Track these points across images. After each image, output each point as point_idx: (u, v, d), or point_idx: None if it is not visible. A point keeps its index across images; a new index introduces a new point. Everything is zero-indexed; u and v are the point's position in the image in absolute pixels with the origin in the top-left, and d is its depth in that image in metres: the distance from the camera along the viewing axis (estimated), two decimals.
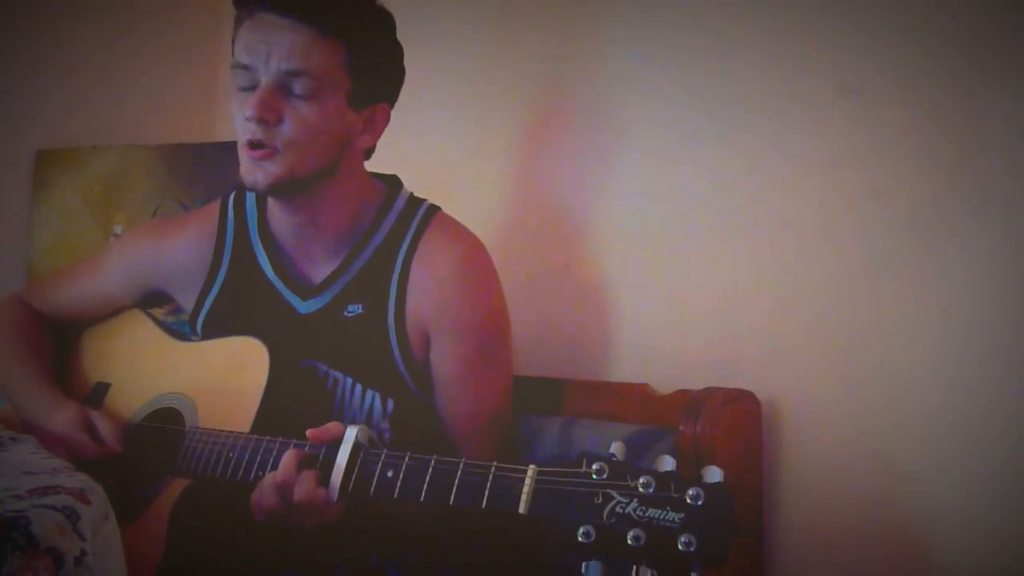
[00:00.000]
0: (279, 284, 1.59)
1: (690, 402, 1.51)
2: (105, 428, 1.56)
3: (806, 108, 1.56)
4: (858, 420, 1.48)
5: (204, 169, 2.19)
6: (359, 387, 1.55)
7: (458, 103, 2.02)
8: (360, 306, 1.55)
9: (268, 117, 1.45)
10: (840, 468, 1.50)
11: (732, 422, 1.49)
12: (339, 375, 1.55)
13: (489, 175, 1.94)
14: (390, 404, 1.55)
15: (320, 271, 1.58)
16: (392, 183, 1.63)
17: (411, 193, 1.62)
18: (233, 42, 1.51)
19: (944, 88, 1.43)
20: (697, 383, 1.55)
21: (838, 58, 1.53)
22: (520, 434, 1.65)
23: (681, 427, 1.49)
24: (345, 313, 1.55)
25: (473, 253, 1.57)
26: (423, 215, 1.58)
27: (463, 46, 2.02)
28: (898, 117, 1.47)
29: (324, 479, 1.30)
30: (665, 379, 1.62)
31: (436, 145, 2.01)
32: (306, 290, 1.58)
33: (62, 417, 1.58)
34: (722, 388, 1.52)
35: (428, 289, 1.53)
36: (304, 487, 1.30)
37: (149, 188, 2.23)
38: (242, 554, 1.40)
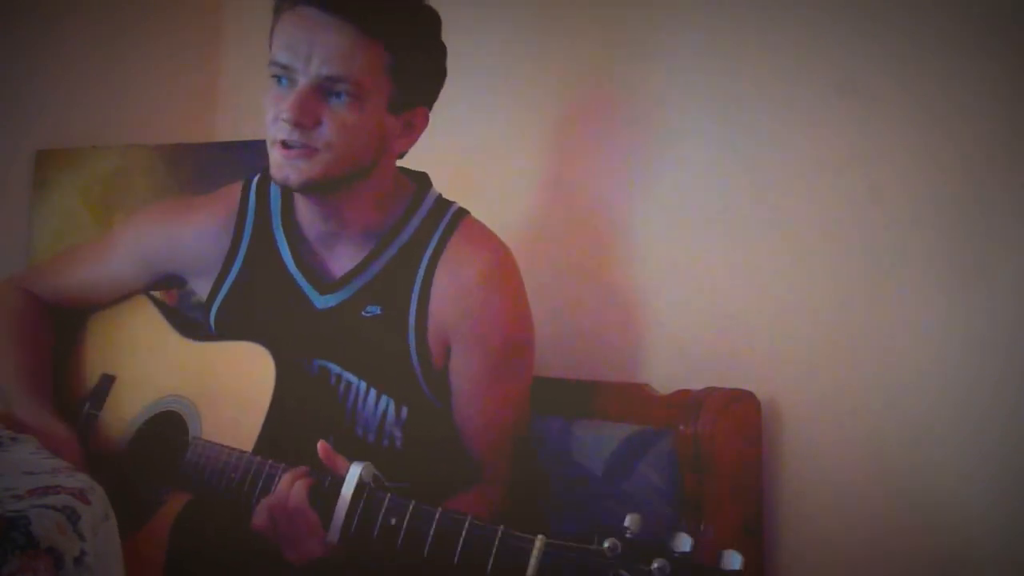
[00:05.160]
0: (298, 275, 1.55)
1: (690, 402, 1.51)
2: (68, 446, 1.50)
3: (806, 108, 1.56)
4: (858, 420, 1.49)
5: (204, 169, 2.18)
6: (373, 392, 1.51)
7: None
8: (379, 307, 1.51)
9: (305, 121, 1.40)
10: (840, 468, 1.50)
11: (732, 422, 1.49)
12: (352, 379, 1.52)
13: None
14: (404, 411, 1.52)
15: (342, 266, 1.54)
16: (421, 181, 1.59)
17: (440, 194, 1.58)
18: (272, 33, 1.45)
19: (944, 88, 1.43)
20: (697, 383, 1.55)
21: (838, 58, 1.53)
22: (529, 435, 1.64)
23: (681, 427, 1.49)
24: (363, 313, 1.51)
25: (500, 261, 1.53)
26: (451, 218, 1.54)
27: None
28: (898, 117, 1.47)
29: (325, 519, 1.26)
30: (665, 379, 1.62)
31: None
32: (325, 284, 1.53)
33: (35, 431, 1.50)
34: (722, 388, 1.52)
35: (452, 296, 1.49)
36: (295, 499, 1.27)
37: (149, 188, 2.23)
38: (245, 566, 1.38)
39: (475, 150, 1.97)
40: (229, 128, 2.34)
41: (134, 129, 2.29)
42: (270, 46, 1.45)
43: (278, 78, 1.44)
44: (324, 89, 1.41)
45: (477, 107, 1.99)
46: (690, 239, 1.68)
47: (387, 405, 1.51)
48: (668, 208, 1.71)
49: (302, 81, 1.41)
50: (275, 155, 1.44)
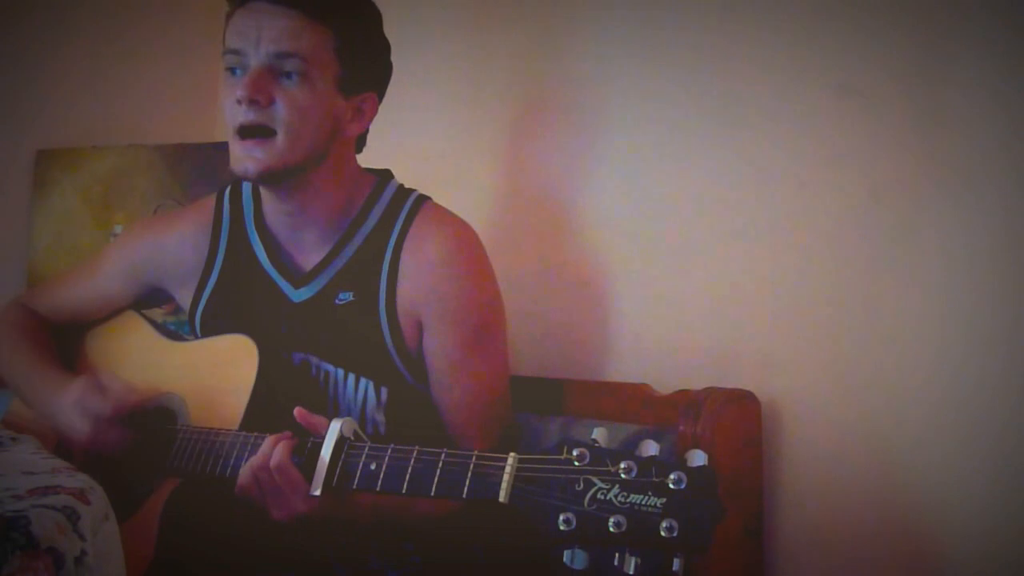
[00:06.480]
0: (273, 272, 1.59)
1: (690, 402, 1.51)
2: (115, 384, 1.55)
3: (806, 108, 1.56)
4: (858, 420, 1.48)
5: (204, 169, 2.18)
6: (351, 378, 1.54)
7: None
8: (351, 293, 1.54)
9: (259, 98, 1.46)
10: (840, 468, 1.50)
11: (732, 422, 1.49)
12: (330, 368, 1.55)
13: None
14: (384, 393, 1.54)
15: (311, 259, 1.58)
16: (383, 175, 1.64)
17: (401, 184, 1.62)
18: (224, 34, 1.52)
19: (944, 88, 1.43)
20: (697, 383, 1.55)
21: (838, 58, 1.53)
22: (519, 434, 1.65)
23: (681, 427, 1.49)
24: (336, 301, 1.55)
25: (463, 238, 1.57)
26: (412, 203, 1.58)
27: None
28: (898, 117, 1.47)
29: (308, 473, 1.30)
30: (665, 379, 1.62)
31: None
32: (298, 278, 1.58)
33: (73, 385, 1.56)
34: (722, 388, 1.52)
35: (419, 275, 1.53)
36: (277, 457, 1.31)
37: (149, 188, 2.23)
38: (238, 553, 1.40)
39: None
40: None
41: (134, 129, 2.29)
42: (223, 43, 1.51)
43: (231, 69, 1.50)
44: (275, 69, 1.47)
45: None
46: (689, 239, 1.68)
47: (367, 388, 1.54)
48: (667, 210, 1.71)
49: (253, 63, 1.47)
50: (234, 148, 1.50)
